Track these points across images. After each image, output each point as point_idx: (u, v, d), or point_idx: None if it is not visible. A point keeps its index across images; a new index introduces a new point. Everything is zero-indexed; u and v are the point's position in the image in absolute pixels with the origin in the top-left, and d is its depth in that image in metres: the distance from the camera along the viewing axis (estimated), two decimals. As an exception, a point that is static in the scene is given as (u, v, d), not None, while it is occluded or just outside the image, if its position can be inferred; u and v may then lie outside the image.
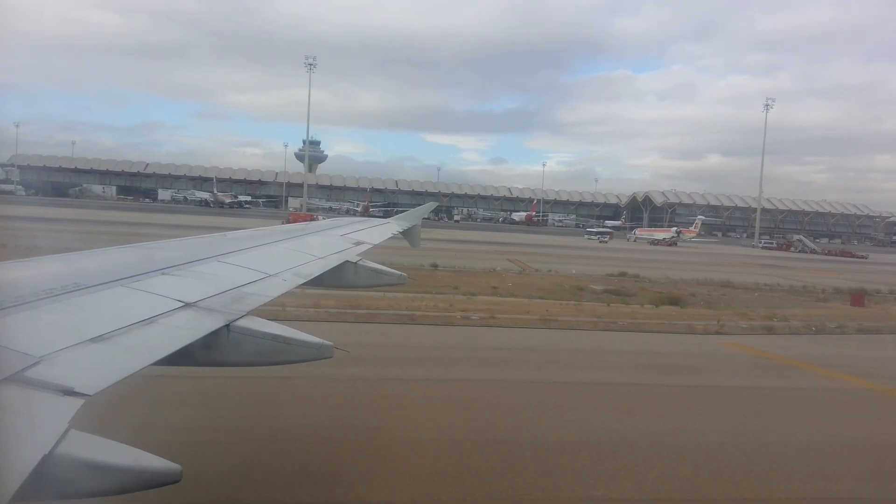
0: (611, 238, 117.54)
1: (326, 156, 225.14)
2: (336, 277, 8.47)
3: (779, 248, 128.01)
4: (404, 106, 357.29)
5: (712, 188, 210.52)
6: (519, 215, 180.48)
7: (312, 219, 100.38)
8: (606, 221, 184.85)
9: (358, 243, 10.61)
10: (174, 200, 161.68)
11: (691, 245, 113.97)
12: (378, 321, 22.98)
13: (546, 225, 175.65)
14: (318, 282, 7.60)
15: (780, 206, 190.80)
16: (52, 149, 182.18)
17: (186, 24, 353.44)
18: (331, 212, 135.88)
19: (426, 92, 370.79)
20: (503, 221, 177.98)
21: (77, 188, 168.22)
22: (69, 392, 2.86)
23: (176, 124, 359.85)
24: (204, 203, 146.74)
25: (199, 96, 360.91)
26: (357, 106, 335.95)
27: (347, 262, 8.85)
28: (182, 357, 3.95)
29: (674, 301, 32.75)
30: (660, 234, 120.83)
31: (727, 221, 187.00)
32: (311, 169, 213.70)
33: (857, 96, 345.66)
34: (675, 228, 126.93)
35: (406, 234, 16.58)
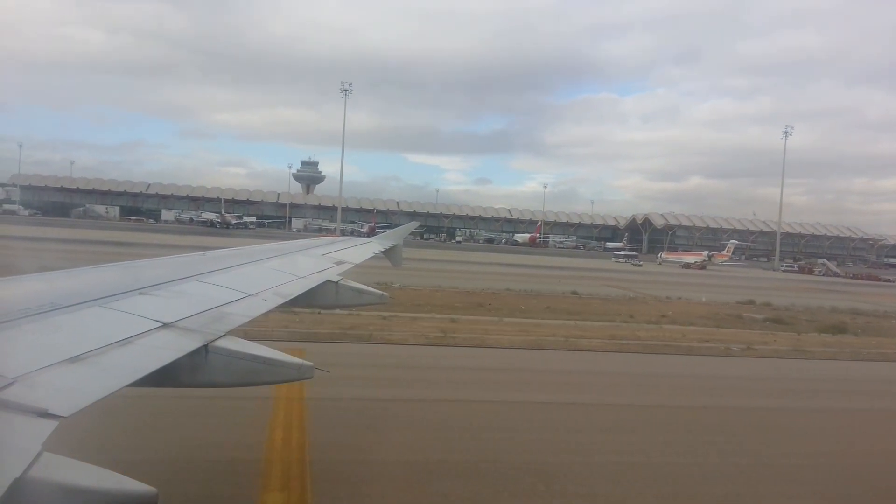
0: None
1: (324, 176, 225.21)
2: (317, 297, 8.45)
3: (801, 271, 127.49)
4: (390, 126, 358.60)
5: (693, 210, 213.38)
6: (522, 237, 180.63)
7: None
8: (607, 243, 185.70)
9: (339, 262, 10.60)
10: (178, 221, 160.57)
11: (724, 269, 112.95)
12: (664, 352, 23.80)
13: (547, 246, 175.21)
14: (298, 301, 7.57)
15: (777, 229, 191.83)
16: (33, 167, 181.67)
17: (172, 42, 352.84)
18: (336, 232, 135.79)
19: (412, 113, 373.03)
20: (506, 243, 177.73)
21: (80, 208, 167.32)
22: (43, 414, 2.82)
23: (157, 143, 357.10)
24: (210, 224, 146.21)
25: (182, 115, 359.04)
26: (342, 126, 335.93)
27: (329, 281, 8.84)
28: (159, 378, 3.91)
29: (839, 329, 32.86)
30: (690, 258, 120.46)
31: (725, 244, 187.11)
32: (308, 189, 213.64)
33: (837, 120, 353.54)
34: (706, 252, 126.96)
35: (388, 253, 16.59)
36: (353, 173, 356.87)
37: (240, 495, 9.75)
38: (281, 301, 6.75)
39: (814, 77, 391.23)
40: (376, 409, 14.39)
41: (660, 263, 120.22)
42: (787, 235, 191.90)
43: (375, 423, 13.48)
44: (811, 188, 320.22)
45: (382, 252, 16.01)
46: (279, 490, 10.13)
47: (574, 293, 44.23)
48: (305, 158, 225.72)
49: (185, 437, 11.95)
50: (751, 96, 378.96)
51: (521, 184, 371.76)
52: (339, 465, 11.00)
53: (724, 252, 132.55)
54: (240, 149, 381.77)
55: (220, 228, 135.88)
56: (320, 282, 8.60)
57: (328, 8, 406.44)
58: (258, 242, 13.09)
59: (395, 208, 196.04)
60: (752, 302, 45.61)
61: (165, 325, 4.57)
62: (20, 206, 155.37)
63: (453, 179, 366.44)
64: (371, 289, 9.81)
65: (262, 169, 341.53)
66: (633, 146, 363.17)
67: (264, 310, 6.10)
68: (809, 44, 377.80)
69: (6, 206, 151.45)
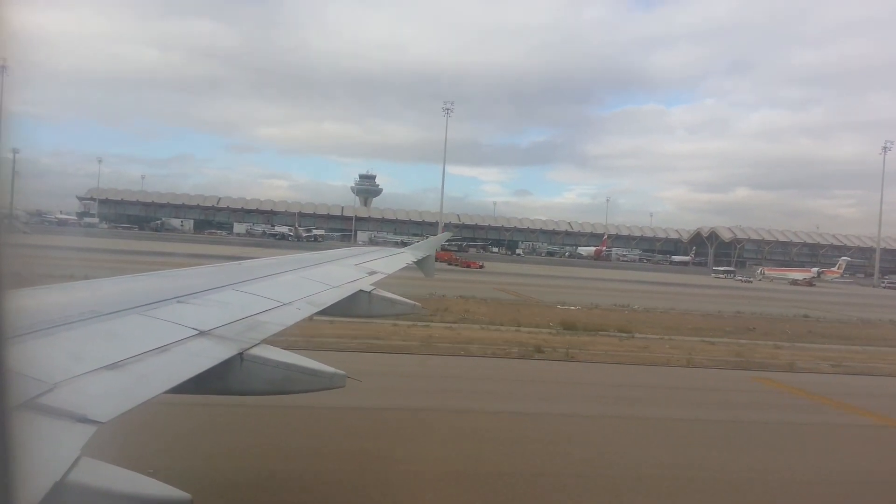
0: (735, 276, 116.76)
1: (381, 189, 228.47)
2: (350, 307, 8.50)
3: None
4: (431, 139, 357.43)
5: (737, 221, 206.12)
6: (586, 250, 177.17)
7: (451, 258, 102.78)
8: (673, 257, 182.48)
9: (372, 272, 10.65)
10: (249, 234, 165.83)
11: (833, 286, 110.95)
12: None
13: (610, 259, 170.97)
14: (331, 311, 7.62)
15: (848, 243, 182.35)
16: (84, 180, 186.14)
17: (222, 59, 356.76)
18: (401, 245, 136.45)
19: (455, 125, 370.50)
20: (569, 256, 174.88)
21: (158, 221, 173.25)
22: (82, 419, 2.86)
23: (204, 157, 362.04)
24: (283, 237, 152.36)
25: (229, 129, 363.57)
26: (385, 139, 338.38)
27: (361, 291, 8.88)
28: (195, 385, 3.95)
29: None
30: (797, 274, 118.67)
31: (795, 258, 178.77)
32: (366, 202, 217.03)
33: (893, 130, 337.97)
34: (815, 268, 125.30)
35: (420, 264, 16.64)
36: (393, 185, 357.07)
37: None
38: (314, 310, 6.80)
39: (870, 87, 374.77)
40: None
41: (759, 279, 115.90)
42: (858, 249, 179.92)
43: None
44: (861, 200, 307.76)
45: (415, 262, 16.06)
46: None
47: (805, 316, 45.54)
48: (363, 172, 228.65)
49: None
50: (803, 107, 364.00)
51: (559, 195, 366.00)
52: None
53: (835, 269, 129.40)
54: (283, 162, 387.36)
55: (292, 241, 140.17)
56: (353, 291, 8.65)
57: (375, 25, 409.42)
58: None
59: (456, 221, 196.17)
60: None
61: (202, 333, 4.64)
62: (100, 220, 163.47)
63: (491, 191, 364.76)
64: (403, 299, 9.84)
65: (302, 182, 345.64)
66: (679, 158, 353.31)
67: (298, 319, 6.15)
68: (866, 53, 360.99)
69: (87, 220, 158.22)
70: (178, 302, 5.40)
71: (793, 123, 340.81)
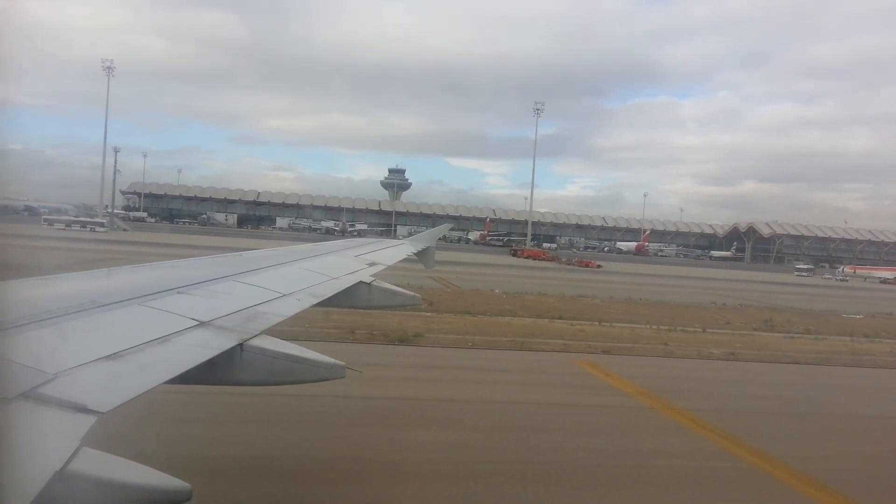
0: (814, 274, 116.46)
1: (411, 184, 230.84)
2: (350, 298, 8.49)
3: None
4: (439, 131, 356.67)
5: (742, 215, 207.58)
6: (626, 245, 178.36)
7: (544, 255, 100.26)
8: (713, 252, 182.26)
9: (372, 264, 10.65)
10: (292, 228, 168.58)
11: None
12: None
13: (648, 255, 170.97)
14: (331, 302, 7.62)
15: (886, 240, 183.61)
16: (90, 171, 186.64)
17: (231, 50, 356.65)
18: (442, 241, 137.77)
19: (463, 117, 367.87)
20: (608, 251, 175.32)
21: (203, 216, 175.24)
22: (82, 409, 2.86)
23: (210, 149, 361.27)
24: (329, 231, 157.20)
25: (236, 121, 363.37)
26: (392, 131, 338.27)
27: (361, 282, 8.88)
28: (195, 375, 3.95)
29: None
30: (887, 273, 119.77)
31: (833, 254, 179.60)
32: (396, 196, 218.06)
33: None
34: None
35: (421, 255, 16.63)
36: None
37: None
38: (314, 301, 6.80)
39: (883, 80, 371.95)
40: None
41: (843, 278, 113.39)
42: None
43: None
44: (869, 194, 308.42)
45: (415, 254, 16.05)
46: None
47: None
48: (393, 166, 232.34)
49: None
50: (816, 100, 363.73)
51: (563, 188, 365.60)
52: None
53: None
54: (289, 154, 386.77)
55: (338, 236, 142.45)
56: (353, 283, 8.64)
57: (383, 16, 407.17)
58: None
59: (492, 216, 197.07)
60: None
61: (202, 324, 4.63)
62: (147, 214, 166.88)
63: (495, 183, 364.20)
64: (403, 290, 9.84)
65: (308, 174, 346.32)
66: (688, 150, 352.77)
67: (298, 310, 6.15)
68: (880, 45, 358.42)
69: (135, 214, 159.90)
70: (178, 293, 5.39)
71: (804, 116, 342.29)
